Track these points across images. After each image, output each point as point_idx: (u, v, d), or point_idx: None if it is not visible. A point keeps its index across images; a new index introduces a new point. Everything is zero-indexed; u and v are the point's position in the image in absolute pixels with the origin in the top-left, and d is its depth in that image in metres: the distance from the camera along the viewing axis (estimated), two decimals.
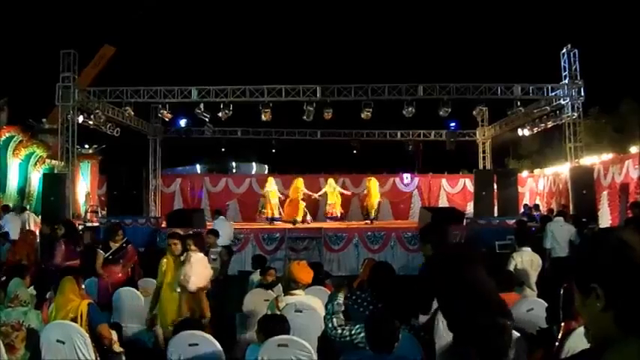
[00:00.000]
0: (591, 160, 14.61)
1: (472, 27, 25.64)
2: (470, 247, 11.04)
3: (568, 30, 19.14)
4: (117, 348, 4.32)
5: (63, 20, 22.25)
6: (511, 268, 6.13)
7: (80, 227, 13.49)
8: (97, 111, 13.64)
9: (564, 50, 13.38)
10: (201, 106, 13.81)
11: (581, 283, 1.19)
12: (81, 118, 13.37)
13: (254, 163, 28.37)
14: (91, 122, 13.89)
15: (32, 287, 5.54)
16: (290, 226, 14.22)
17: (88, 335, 4.03)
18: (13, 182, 16.57)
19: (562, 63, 13.43)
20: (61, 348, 3.99)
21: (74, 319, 4.15)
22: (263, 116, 13.76)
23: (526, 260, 6.24)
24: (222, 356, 3.72)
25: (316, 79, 13.73)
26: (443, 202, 19.62)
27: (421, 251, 4.24)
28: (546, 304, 4.73)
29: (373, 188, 16.21)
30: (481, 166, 18.51)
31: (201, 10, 27.31)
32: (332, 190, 16.22)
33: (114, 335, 4.33)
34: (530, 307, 4.89)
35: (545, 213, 13.77)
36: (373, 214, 15.84)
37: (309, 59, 24.50)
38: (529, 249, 6.45)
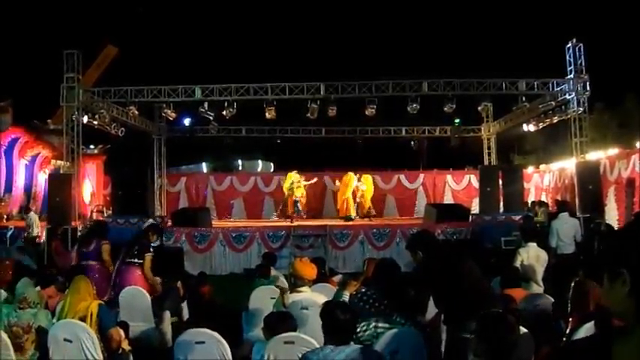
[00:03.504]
0: (597, 155, 14.54)
1: (476, 22, 25.52)
2: (460, 246, 11.19)
3: (573, 24, 18.99)
4: (125, 346, 4.34)
5: (66, 21, 22.31)
6: (517, 264, 6.10)
7: (87, 226, 13.57)
8: (102, 111, 13.67)
9: (569, 44, 13.29)
10: (205, 104, 13.81)
11: (611, 267, 1.28)
12: (85, 119, 13.40)
13: (259, 161, 28.39)
14: (95, 122, 13.93)
15: (39, 287, 5.59)
16: (295, 223, 14.25)
17: (95, 335, 4.04)
18: (19, 183, 16.70)
19: (567, 57, 13.33)
20: (68, 347, 4.00)
21: (82, 319, 4.15)
22: (267, 114, 13.76)
23: (532, 256, 6.20)
24: (229, 354, 3.72)
25: (320, 77, 13.71)
26: (448, 199, 19.57)
27: (413, 260, 4.24)
28: (553, 300, 4.72)
29: (368, 184, 16.46)
30: (486, 163, 18.45)
31: (204, 9, 27.32)
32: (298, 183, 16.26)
33: (121, 333, 4.35)
34: (537, 303, 4.87)
35: (552, 210, 13.72)
36: (367, 211, 16.14)
37: (313, 57, 24.46)
38: (535, 244, 6.41)
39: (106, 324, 4.19)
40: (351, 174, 16.53)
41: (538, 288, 6.12)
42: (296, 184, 15.83)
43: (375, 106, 13.52)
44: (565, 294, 3.89)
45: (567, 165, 16.09)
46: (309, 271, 4.71)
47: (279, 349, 3.66)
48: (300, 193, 15.85)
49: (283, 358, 3.62)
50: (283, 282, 6.60)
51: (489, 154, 18.76)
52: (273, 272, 7.41)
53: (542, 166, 19.86)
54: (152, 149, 18.39)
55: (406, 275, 4.56)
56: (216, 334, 3.77)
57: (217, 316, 6.19)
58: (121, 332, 4.34)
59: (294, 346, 3.64)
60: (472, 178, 19.37)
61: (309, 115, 13.89)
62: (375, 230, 13.08)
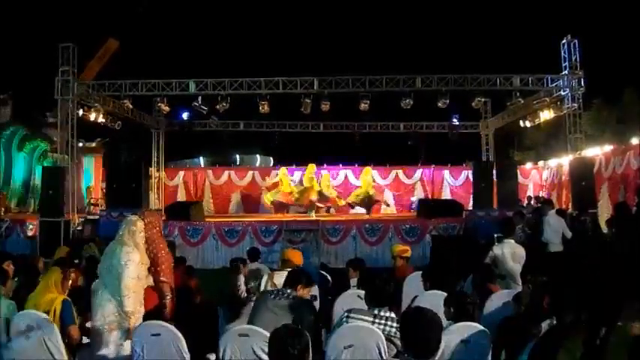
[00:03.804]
0: (594, 151, 14.44)
1: (470, 17, 25.33)
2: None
3: (568, 20, 18.82)
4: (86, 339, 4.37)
5: (64, 14, 22.35)
6: (489, 260, 6.07)
7: (81, 220, 13.68)
8: (96, 104, 13.73)
9: (564, 41, 13.22)
10: (199, 98, 13.84)
11: None
12: (80, 112, 13.46)
13: (258, 155, 28.34)
14: (92, 116, 13.99)
15: (17, 279, 5.64)
16: (287, 217, 14.29)
17: (57, 328, 4.06)
18: (17, 176, 16.84)
19: (562, 54, 13.27)
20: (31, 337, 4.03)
21: (46, 313, 4.18)
22: (260, 108, 13.77)
23: (507, 252, 6.15)
24: (184, 346, 3.74)
25: (313, 71, 13.68)
26: (446, 195, 19.52)
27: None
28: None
29: (363, 179, 16.57)
30: (484, 158, 18.36)
31: (197, 3, 27.23)
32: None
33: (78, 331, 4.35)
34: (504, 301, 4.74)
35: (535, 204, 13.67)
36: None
37: (306, 52, 24.39)
38: (512, 241, 6.37)
39: (67, 323, 4.21)
40: (368, 168, 17.08)
41: (515, 286, 6.01)
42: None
43: (368, 101, 13.49)
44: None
45: (564, 161, 16.00)
46: (297, 258, 5.59)
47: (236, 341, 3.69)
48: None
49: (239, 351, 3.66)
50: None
51: (487, 150, 18.67)
52: (255, 266, 7.53)
53: (541, 163, 19.75)
54: (150, 142, 18.49)
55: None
56: (172, 328, 3.79)
57: (202, 309, 6.23)
58: (78, 331, 4.34)
59: (248, 339, 3.67)
60: (470, 174, 19.27)
61: (302, 109, 13.89)
62: (367, 225, 13.03)
